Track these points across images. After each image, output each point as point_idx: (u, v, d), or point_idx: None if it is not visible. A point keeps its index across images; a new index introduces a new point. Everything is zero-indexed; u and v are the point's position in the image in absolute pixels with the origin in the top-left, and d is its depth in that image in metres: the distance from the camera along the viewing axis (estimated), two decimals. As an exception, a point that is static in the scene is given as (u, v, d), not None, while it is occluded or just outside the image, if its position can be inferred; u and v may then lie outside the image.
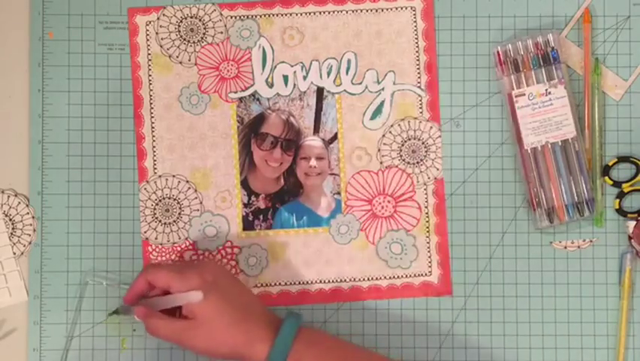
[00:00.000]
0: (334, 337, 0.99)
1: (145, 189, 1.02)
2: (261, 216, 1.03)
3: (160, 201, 1.02)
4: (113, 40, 1.03)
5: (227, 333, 0.92)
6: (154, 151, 1.02)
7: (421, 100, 1.03)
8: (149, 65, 1.03)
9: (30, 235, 1.02)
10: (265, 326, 0.93)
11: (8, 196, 1.02)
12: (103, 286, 1.01)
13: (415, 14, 1.03)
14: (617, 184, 1.02)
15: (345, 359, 0.94)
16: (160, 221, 1.02)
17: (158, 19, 1.03)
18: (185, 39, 1.03)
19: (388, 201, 1.03)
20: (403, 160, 1.03)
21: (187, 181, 1.03)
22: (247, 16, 1.03)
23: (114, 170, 1.03)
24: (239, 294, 0.95)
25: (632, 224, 1.01)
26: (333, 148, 1.03)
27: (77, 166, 1.03)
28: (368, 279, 1.02)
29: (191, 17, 1.03)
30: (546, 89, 1.00)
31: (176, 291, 0.93)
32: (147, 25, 1.03)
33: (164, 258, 1.02)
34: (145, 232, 1.02)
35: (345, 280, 1.02)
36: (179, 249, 1.02)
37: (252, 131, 1.03)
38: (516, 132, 1.00)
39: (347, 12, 1.03)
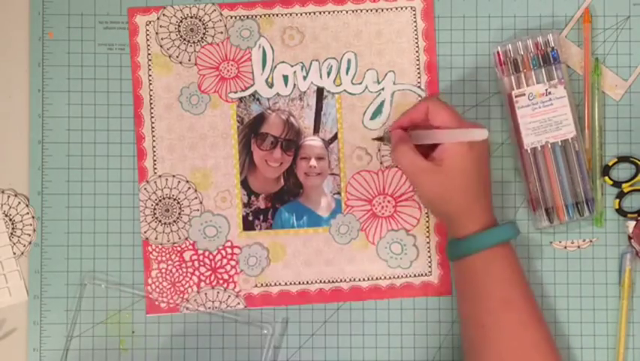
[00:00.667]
0: (522, 273, 0.96)
1: (145, 189, 1.02)
2: (261, 216, 1.03)
3: (160, 201, 1.02)
4: (113, 40, 1.03)
5: (461, 193, 0.92)
6: (154, 151, 1.02)
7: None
8: (149, 65, 1.03)
9: (30, 235, 1.02)
10: (489, 212, 0.94)
11: (8, 196, 1.02)
12: (102, 288, 1.02)
13: (415, 14, 1.03)
14: (617, 184, 1.02)
15: (521, 289, 0.93)
16: (160, 221, 1.02)
17: (158, 19, 1.03)
18: (185, 39, 1.03)
19: (388, 201, 1.03)
20: (403, 160, 1.03)
21: (187, 181, 1.03)
22: (247, 16, 1.03)
23: (114, 170, 1.03)
24: (488, 175, 0.95)
25: (631, 224, 1.01)
26: (333, 148, 1.03)
27: (77, 166, 1.03)
28: (368, 279, 1.02)
29: (191, 17, 1.03)
30: (546, 89, 1.00)
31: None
32: (147, 25, 1.03)
33: (164, 258, 1.02)
34: (145, 232, 1.02)
35: (345, 280, 1.02)
36: (179, 249, 1.02)
37: (252, 131, 1.03)
38: (516, 132, 1.00)
39: (347, 12, 1.03)
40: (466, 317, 0.94)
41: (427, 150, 0.94)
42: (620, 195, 1.02)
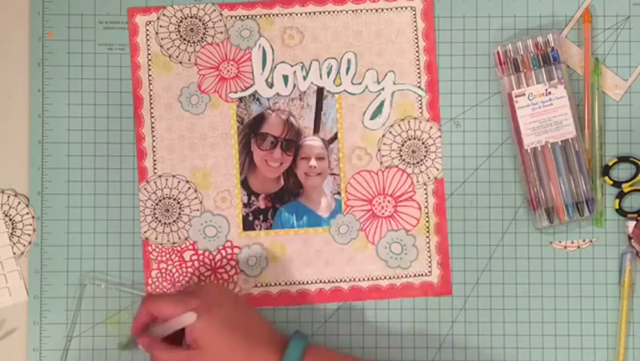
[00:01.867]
0: (341, 353, 0.99)
1: (145, 189, 1.02)
2: (261, 216, 1.03)
3: (160, 201, 1.02)
4: (113, 40, 1.03)
5: (230, 359, 0.91)
6: (154, 151, 1.02)
7: (421, 100, 1.03)
8: (149, 65, 1.03)
9: (30, 235, 1.02)
10: (270, 347, 0.92)
11: (8, 196, 1.02)
12: (102, 288, 1.02)
13: (415, 14, 1.03)
14: (617, 184, 1.02)
15: None
16: (160, 221, 1.02)
17: (158, 19, 1.03)
18: (185, 39, 1.03)
19: (388, 202, 1.03)
20: (403, 160, 1.03)
21: (187, 181, 1.03)
22: (247, 16, 1.03)
23: (114, 170, 1.03)
24: (242, 316, 0.94)
25: (631, 224, 1.01)
26: (333, 148, 1.03)
27: (77, 166, 1.03)
28: (368, 279, 1.02)
29: (191, 17, 1.03)
30: (546, 89, 1.00)
31: (178, 314, 0.91)
32: (147, 25, 1.03)
33: (164, 258, 1.02)
34: (145, 232, 1.02)
35: (345, 280, 1.02)
36: (179, 249, 1.02)
37: (252, 131, 1.03)
38: (516, 132, 1.00)
39: (347, 12, 1.03)
40: None
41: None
42: (620, 195, 1.02)
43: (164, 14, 1.03)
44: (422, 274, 1.02)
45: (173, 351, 0.92)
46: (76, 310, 1.01)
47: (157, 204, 1.02)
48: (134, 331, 0.95)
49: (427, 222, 1.03)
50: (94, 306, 1.02)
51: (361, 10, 1.03)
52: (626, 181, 1.02)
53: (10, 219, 1.02)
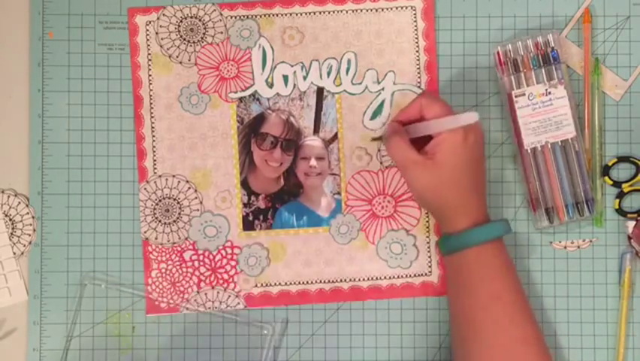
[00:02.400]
0: (513, 270, 0.96)
1: (145, 189, 1.02)
2: (261, 216, 1.03)
3: (160, 201, 1.02)
4: (113, 40, 1.03)
5: (454, 188, 0.92)
6: (154, 151, 1.02)
7: (421, 100, 1.03)
8: (149, 65, 1.03)
9: (30, 235, 1.02)
10: (483, 207, 0.94)
11: (8, 196, 1.02)
12: (102, 288, 1.02)
13: (415, 14, 1.03)
14: (616, 184, 1.02)
15: (512, 285, 0.93)
16: (160, 221, 1.02)
17: (158, 19, 1.03)
18: (185, 39, 1.03)
19: (388, 201, 1.03)
20: (403, 160, 1.03)
21: (187, 181, 1.03)
22: (247, 16, 1.03)
23: (114, 170, 1.03)
24: (482, 170, 0.95)
25: (631, 224, 1.01)
26: (333, 148, 1.03)
27: (77, 166, 1.03)
28: (368, 279, 1.02)
29: (191, 17, 1.03)
30: (546, 89, 1.00)
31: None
32: (147, 25, 1.03)
33: (164, 258, 1.02)
34: (145, 232, 1.02)
35: (345, 280, 1.02)
36: (179, 249, 1.02)
37: (252, 131, 1.03)
38: (516, 132, 1.00)
39: (347, 12, 1.03)
40: (455, 313, 0.95)
41: (423, 146, 0.94)
42: (620, 195, 1.02)
43: (164, 14, 1.03)
44: (422, 274, 1.02)
45: (411, 150, 0.92)
46: (77, 310, 1.01)
47: (157, 204, 1.02)
48: (395, 117, 0.97)
49: (427, 222, 1.03)
50: (94, 306, 1.02)
51: (361, 10, 1.03)
52: (626, 181, 1.02)
53: (10, 219, 1.02)
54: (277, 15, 1.03)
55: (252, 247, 1.02)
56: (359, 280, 1.02)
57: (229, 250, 1.02)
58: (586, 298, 1.02)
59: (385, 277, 1.02)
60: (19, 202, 1.02)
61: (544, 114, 0.99)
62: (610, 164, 1.02)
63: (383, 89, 1.03)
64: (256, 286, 1.02)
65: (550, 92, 0.99)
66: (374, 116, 1.03)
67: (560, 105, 0.99)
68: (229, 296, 1.02)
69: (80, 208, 1.02)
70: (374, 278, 1.02)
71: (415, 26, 1.03)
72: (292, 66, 1.03)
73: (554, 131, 1.00)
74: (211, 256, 1.02)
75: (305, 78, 1.03)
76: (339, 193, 1.03)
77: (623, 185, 1.02)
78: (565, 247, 1.02)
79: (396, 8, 1.03)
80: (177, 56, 1.03)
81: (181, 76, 1.03)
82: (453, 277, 0.95)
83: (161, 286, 1.02)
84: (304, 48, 1.03)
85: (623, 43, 1.03)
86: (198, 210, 1.02)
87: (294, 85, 1.03)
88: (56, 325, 1.01)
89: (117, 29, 1.03)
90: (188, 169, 1.03)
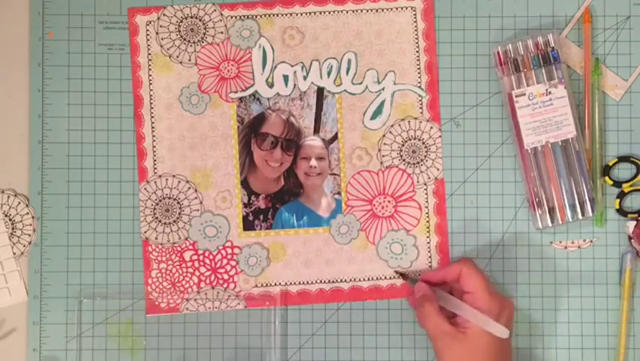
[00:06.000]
0: None
1: (145, 189, 1.02)
2: (261, 216, 1.03)
3: (160, 201, 1.02)
4: (113, 40, 1.03)
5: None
6: (154, 151, 1.02)
7: (421, 100, 1.03)
8: (149, 65, 1.03)
9: (30, 235, 1.02)
10: None
11: (8, 196, 1.02)
12: (102, 288, 1.02)
13: (415, 14, 1.03)
14: (617, 184, 1.02)
15: None
16: (160, 221, 1.02)
17: (158, 19, 1.03)
18: (185, 39, 1.03)
19: (389, 201, 1.02)
20: (403, 160, 1.03)
21: (187, 181, 1.02)
22: (247, 16, 1.03)
23: (114, 170, 1.03)
24: (509, 352, 0.95)
25: (632, 224, 1.01)
26: (333, 148, 1.03)
27: (77, 166, 1.03)
28: (368, 279, 1.02)
29: (192, 17, 1.03)
30: (546, 89, 1.00)
31: (478, 306, 0.92)
32: (147, 25, 1.03)
33: (164, 258, 1.02)
34: (145, 232, 1.02)
35: (345, 280, 1.02)
36: (179, 249, 1.02)
37: (252, 131, 1.03)
38: (516, 132, 1.00)
39: (347, 12, 1.03)
40: None
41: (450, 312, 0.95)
42: (621, 195, 1.02)
43: (164, 14, 1.03)
44: (422, 274, 1.02)
45: (442, 320, 0.92)
46: (77, 311, 1.01)
47: (157, 204, 1.02)
48: (426, 276, 0.97)
49: (428, 222, 1.03)
50: (94, 306, 1.02)
51: (362, 10, 1.03)
52: (627, 181, 1.02)
53: (10, 220, 1.02)
54: (277, 15, 1.03)
55: (252, 247, 1.02)
56: (359, 280, 1.02)
57: (229, 250, 1.02)
58: (586, 299, 1.02)
59: (385, 277, 1.02)
60: (19, 202, 1.02)
61: (545, 114, 0.99)
62: (610, 164, 1.02)
63: (383, 89, 1.03)
64: (256, 286, 1.02)
65: (550, 92, 0.99)
66: (374, 116, 1.03)
67: (560, 105, 0.99)
68: (229, 296, 1.02)
69: (80, 208, 1.02)
70: (374, 278, 1.02)
71: (415, 26, 1.03)
72: (292, 66, 1.03)
73: (555, 131, 1.00)
74: (211, 256, 1.02)
75: (305, 78, 1.03)
76: (339, 193, 1.03)
77: (624, 185, 1.02)
78: (565, 247, 1.02)
79: (397, 8, 1.03)
80: (177, 56, 1.03)
81: (181, 76, 1.03)
82: None
83: (161, 286, 1.02)
84: (304, 48, 1.03)
85: (624, 43, 1.03)
86: (198, 210, 1.02)
87: (295, 85, 1.03)
88: (56, 325, 1.01)
89: (117, 29, 1.03)
90: (189, 169, 1.03)
